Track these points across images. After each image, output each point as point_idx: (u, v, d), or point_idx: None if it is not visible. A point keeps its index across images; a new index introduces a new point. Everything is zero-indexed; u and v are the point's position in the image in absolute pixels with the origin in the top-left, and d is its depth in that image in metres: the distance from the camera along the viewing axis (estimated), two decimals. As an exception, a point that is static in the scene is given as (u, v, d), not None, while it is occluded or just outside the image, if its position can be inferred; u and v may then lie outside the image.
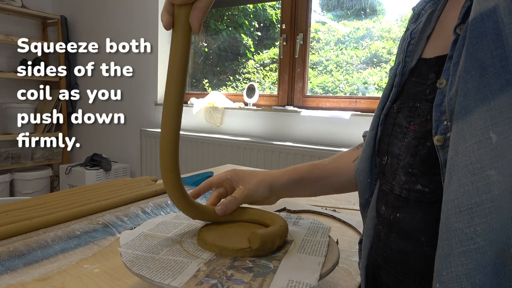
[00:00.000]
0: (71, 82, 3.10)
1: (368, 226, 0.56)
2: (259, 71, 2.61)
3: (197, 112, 2.40)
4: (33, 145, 2.97)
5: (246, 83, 2.56)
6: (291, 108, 2.19)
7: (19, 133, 2.80)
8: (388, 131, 0.53)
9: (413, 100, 0.50)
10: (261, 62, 2.61)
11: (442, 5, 0.53)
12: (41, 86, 3.18)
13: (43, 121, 2.97)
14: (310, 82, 2.28)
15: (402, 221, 0.48)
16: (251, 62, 2.65)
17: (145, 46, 2.70)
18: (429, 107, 0.45)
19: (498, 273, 0.35)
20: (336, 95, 2.20)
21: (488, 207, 0.34)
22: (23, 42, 2.78)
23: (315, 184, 0.65)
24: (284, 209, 0.91)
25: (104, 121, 3.02)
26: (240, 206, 0.59)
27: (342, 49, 2.24)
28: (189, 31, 0.43)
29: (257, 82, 2.55)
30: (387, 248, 0.50)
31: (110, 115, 2.98)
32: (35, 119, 2.97)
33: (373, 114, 0.57)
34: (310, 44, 2.24)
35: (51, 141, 3.20)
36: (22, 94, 3.04)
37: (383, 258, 0.51)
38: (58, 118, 3.05)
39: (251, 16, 2.62)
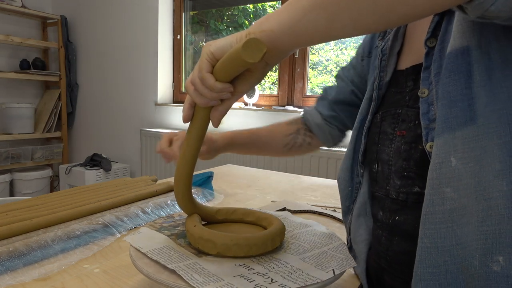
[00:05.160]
0: (71, 82, 3.10)
1: (360, 233, 0.58)
2: (259, 71, 2.61)
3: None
4: (33, 145, 2.97)
5: (246, 83, 2.56)
6: (291, 108, 2.19)
7: (19, 133, 2.80)
8: (374, 140, 0.55)
9: (394, 107, 0.52)
10: (261, 62, 2.60)
11: None
12: (41, 86, 3.18)
13: (43, 121, 2.98)
14: (310, 82, 2.28)
15: (402, 223, 0.49)
16: (251, 62, 2.65)
17: (146, 46, 2.70)
18: (414, 113, 0.48)
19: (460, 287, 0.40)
20: (336, 95, 2.20)
21: (439, 217, 0.40)
22: (23, 42, 2.78)
23: (249, 149, 0.73)
24: (284, 209, 0.91)
25: (104, 121, 3.02)
26: (238, 207, 0.59)
27: (342, 49, 2.24)
28: (205, 125, 0.48)
29: (257, 82, 2.55)
30: (389, 251, 0.51)
31: (110, 115, 2.98)
32: (34, 119, 2.97)
33: None
34: (310, 44, 2.24)
35: (51, 141, 3.20)
36: (22, 94, 3.05)
37: (387, 262, 0.52)
38: (58, 118, 3.05)
39: (251, 16, 2.62)
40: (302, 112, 0.78)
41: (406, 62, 0.54)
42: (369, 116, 0.57)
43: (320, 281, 0.42)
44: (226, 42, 0.42)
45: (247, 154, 0.73)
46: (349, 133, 0.64)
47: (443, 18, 0.46)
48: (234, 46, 0.41)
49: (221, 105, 0.45)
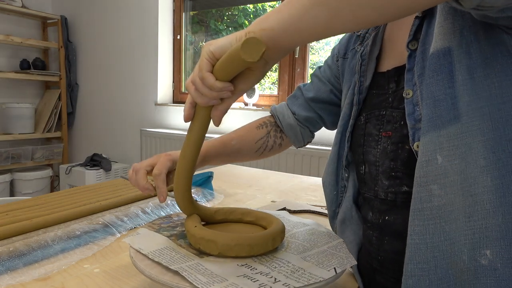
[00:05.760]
0: (71, 82, 3.10)
1: (346, 235, 0.59)
2: (259, 71, 2.61)
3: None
4: (33, 145, 2.97)
5: (246, 83, 2.55)
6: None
7: (19, 133, 2.80)
8: (359, 142, 0.56)
9: (378, 109, 0.53)
10: (261, 62, 2.60)
11: (383, 27, 0.58)
12: (41, 86, 3.18)
13: (43, 121, 2.98)
14: (310, 82, 2.28)
15: (392, 223, 0.50)
16: (251, 62, 2.64)
17: (146, 46, 2.70)
18: (399, 114, 0.49)
19: (449, 282, 0.41)
20: (336, 95, 2.19)
21: (427, 214, 0.41)
22: (23, 42, 2.78)
23: (223, 160, 0.71)
24: (284, 209, 0.91)
25: (104, 121, 3.02)
26: (237, 207, 0.59)
27: (342, 49, 2.24)
28: (206, 124, 0.48)
29: (257, 82, 2.55)
30: (381, 251, 0.51)
31: (110, 115, 2.98)
32: (35, 119, 2.97)
33: None
34: (310, 44, 2.24)
35: (51, 141, 3.20)
36: (22, 94, 3.04)
37: (378, 262, 0.52)
38: (58, 118, 3.05)
39: (251, 16, 2.62)
40: (272, 111, 0.77)
41: (386, 65, 0.55)
42: (351, 120, 0.57)
43: (322, 279, 0.42)
44: (226, 41, 0.42)
45: (221, 164, 0.73)
46: (323, 135, 0.64)
47: (423, 22, 0.47)
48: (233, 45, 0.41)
49: (222, 104, 0.46)
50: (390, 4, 0.33)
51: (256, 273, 0.43)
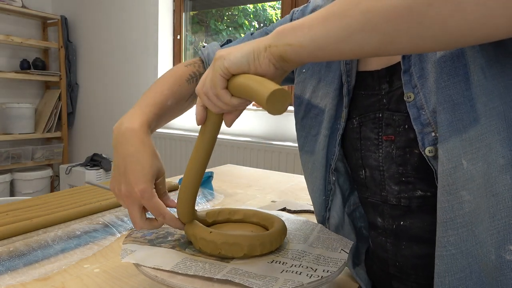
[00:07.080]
0: (71, 82, 3.11)
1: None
2: (259, 71, 2.61)
3: (197, 112, 2.39)
4: (33, 145, 2.97)
5: (246, 83, 2.55)
6: (291, 108, 2.19)
7: (19, 133, 2.80)
8: (356, 146, 0.54)
9: (372, 112, 0.51)
10: (261, 62, 2.60)
11: None
12: (41, 86, 3.18)
13: (43, 121, 2.98)
14: (310, 82, 2.28)
15: (409, 228, 0.49)
16: (251, 62, 2.64)
17: (146, 47, 2.70)
18: (401, 117, 0.47)
19: (483, 285, 0.40)
20: (336, 95, 2.19)
21: (460, 222, 0.40)
22: (23, 42, 2.78)
23: (161, 124, 0.65)
24: (284, 209, 0.91)
25: (104, 121, 3.02)
26: (223, 208, 0.59)
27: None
28: (218, 126, 0.48)
29: (257, 82, 2.55)
30: (399, 257, 0.51)
31: (110, 115, 2.98)
32: (35, 119, 2.97)
33: None
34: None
35: (51, 141, 3.20)
36: (23, 94, 3.05)
37: (397, 268, 0.51)
38: (58, 118, 3.05)
39: (251, 16, 2.62)
40: (202, 55, 0.70)
41: (373, 64, 0.52)
42: (342, 123, 0.55)
43: (344, 260, 0.45)
44: (242, 58, 0.40)
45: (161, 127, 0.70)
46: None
47: None
48: (251, 64, 0.39)
49: (235, 110, 0.45)
50: (461, 37, 0.30)
51: (290, 266, 0.44)
